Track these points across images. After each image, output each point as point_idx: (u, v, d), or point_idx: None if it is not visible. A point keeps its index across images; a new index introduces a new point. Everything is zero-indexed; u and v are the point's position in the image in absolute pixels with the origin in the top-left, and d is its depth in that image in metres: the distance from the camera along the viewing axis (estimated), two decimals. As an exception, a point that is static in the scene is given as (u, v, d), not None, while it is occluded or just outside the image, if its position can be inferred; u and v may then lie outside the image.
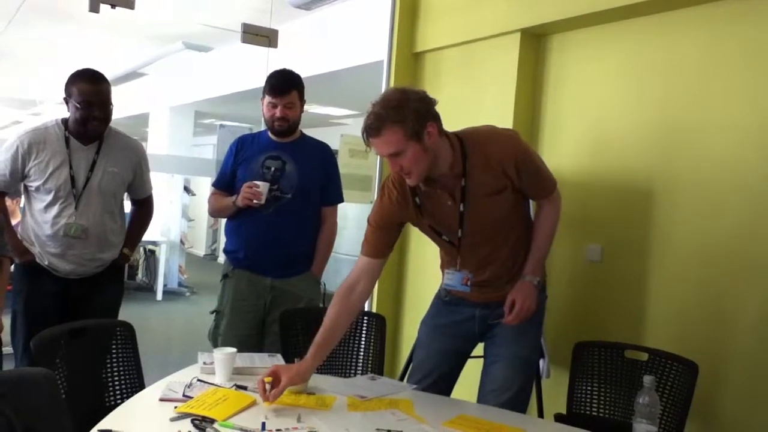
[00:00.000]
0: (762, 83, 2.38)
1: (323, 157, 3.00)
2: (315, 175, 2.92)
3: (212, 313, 2.98)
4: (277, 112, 2.82)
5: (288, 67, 2.95)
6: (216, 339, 2.92)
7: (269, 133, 2.93)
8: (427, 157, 2.00)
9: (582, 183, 2.95)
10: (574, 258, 3.01)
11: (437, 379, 2.33)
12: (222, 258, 3.06)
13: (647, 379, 1.76)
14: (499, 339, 2.26)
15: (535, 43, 3.23)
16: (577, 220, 2.96)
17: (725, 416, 2.43)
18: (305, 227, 2.95)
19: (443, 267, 2.32)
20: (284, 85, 2.83)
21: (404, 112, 1.93)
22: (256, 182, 2.77)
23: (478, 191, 2.11)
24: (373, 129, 1.94)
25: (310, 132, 3.07)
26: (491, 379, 2.23)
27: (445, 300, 2.39)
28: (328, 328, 2.13)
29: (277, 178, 2.84)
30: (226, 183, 2.97)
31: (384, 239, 2.21)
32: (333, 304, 2.16)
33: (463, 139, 2.11)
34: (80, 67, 2.78)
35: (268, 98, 2.84)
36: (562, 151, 3.07)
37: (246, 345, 2.73)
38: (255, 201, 2.76)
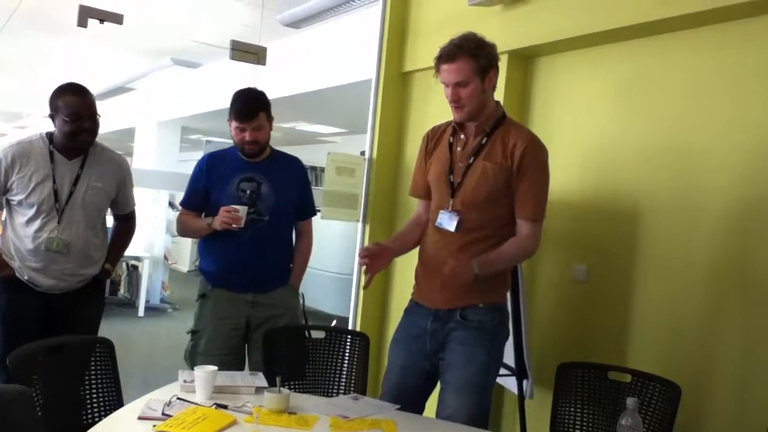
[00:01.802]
0: (746, 106, 2.42)
1: (296, 172, 3.00)
2: (291, 193, 2.92)
3: (189, 333, 2.91)
4: (247, 136, 2.77)
5: (277, 84, 2.94)
6: (193, 359, 2.83)
7: (240, 152, 2.87)
8: (482, 99, 2.24)
9: (568, 203, 2.97)
10: (559, 277, 3.02)
11: (400, 393, 2.31)
12: (202, 275, 3.02)
13: (630, 401, 1.76)
14: (446, 363, 2.27)
15: (523, 64, 3.26)
16: (564, 240, 2.98)
17: (708, 439, 2.44)
18: (282, 244, 2.95)
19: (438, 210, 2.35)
20: (250, 110, 2.76)
21: (480, 51, 2.20)
22: (235, 206, 2.72)
23: (488, 156, 2.25)
24: (449, 55, 2.20)
25: (297, 149, 3.07)
26: (443, 406, 2.25)
27: (406, 310, 2.43)
28: (403, 231, 2.51)
29: (254, 201, 2.81)
30: (197, 202, 2.91)
31: (422, 181, 2.45)
32: (406, 224, 2.54)
33: (506, 114, 2.34)
34: (65, 82, 2.77)
35: (234, 123, 2.79)
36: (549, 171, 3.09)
37: (225, 366, 2.65)
38: (234, 225, 2.72)
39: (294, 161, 3.03)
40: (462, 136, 2.33)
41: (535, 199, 2.24)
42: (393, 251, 2.43)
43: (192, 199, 2.94)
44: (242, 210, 2.73)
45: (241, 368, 2.84)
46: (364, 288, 2.41)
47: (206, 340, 2.84)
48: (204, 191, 2.88)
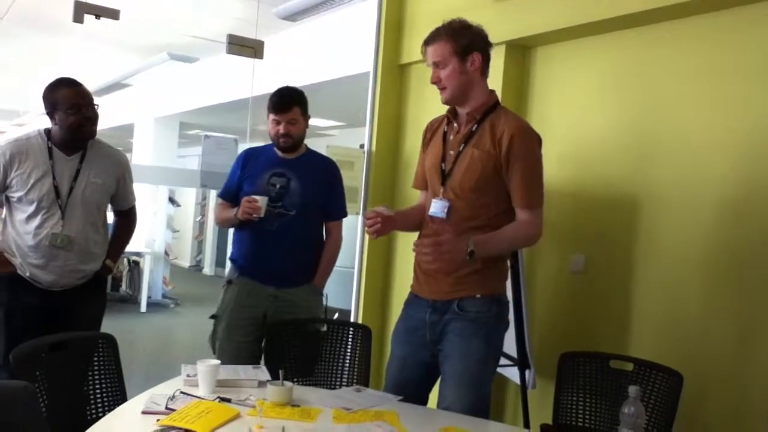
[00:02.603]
0: (742, 95, 2.42)
1: (328, 173, 3.05)
2: (319, 192, 2.96)
3: (211, 317, 2.98)
4: (281, 129, 2.87)
5: (274, 78, 2.97)
6: (213, 343, 2.94)
7: (275, 148, 2.96)
8: (462, 80, 2.24)
9: (566, 193, 2.97)
10: (558, 268, 3.03)
11: (402, 385, 2.31)
12: (208, 269, 3.07)
13: (632, 390, 1.76)
14: (444, 355, 2.27)
15: (520, 55, 3.26)
16: (562, 230, 2.98)
17: (710, 426, 2.44)
18: (308, 242, 2.99)
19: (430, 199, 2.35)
20: (285, 102, 2.88)
21: (459, 32, 2.23)
22: (254, 197, 2.80)
23: (477, 144, 2.25)
24: (430, 37, 2.27)
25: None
26: (442, 397, 2.25)
27: (406, 302, 2.44)
28: (407, 208, 2.54)
29: (281, 196, 2.88)
30: (231, 195, 3.01)
31: (422, 173, 2.47)
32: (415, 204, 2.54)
33: (499, 102, 2.34)
34: (55, 78, 2.77)
35: (271, 116, 2.90)
36: (546, 161, 3.04)
37: (243, 352, 2.78)
38: (254, 215, 2.79)
39: (327, 162, 3.10)
40: (455, 125, 2.34)
41: (527, 186, 2.22)
42: (396, 223, 2.40)
43: (227, 191, 3.05)
44: (261, 200, 2.79)
45: (257, 357, 2.86)
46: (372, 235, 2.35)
47: (225, 325, 2.91)
48: (238, 184, 2.98)
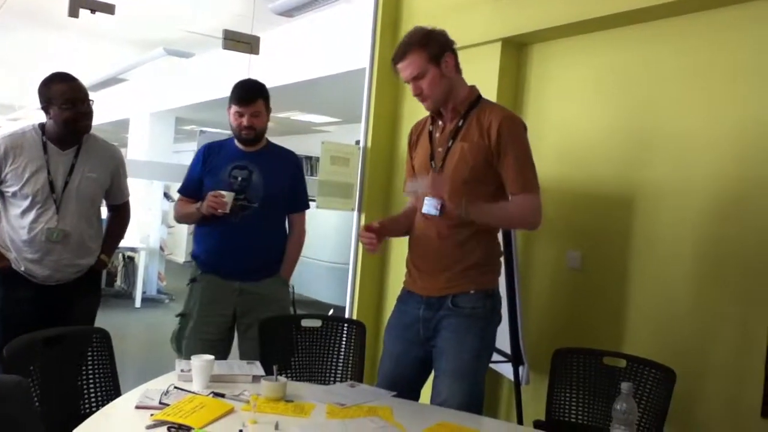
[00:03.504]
0: (739, 92, 2.43)
1: (289, 165, 3.04)
2: (281, 184, 2.96)
3: (178, 316, 2.96)
4: (244, 121, 2.85)
5: (270, 74, 2.97)
6: (179, 342, 2.91)
7: (236, 141, 2.95)
8: (444, 84, 2.26)
9: (562, 190, 2.97)
10: (554, 265, 3.04)
11: (395, 381, 2.31)
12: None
13: (625, 386, 1.77)
14: (438, 351, 2.28)
15: (516, 52, 3.26)
16: (557, 227, 2.99)
17: (702, 423, 2.46)
18: (272, 234, 2.99)
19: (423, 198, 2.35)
20: (250, 95, 2.86)
21: (428, 40, 2.25)
22: (221, 191, 2.78)
23: (465, 137, 2.25)
24: (400, 54, 2.26)
25: (291, 139, 3.09)
26: (437, 393, 2.26)
27: (399, 298, 2.44)
28: (398, 213, 2.54)
29: (244, 188, 2.87)
30: (192, 190, 2.98)
31: (411, 177, 2.47)
32: (404, 209, 2.55)
33: (481, 96, 2.35)
34: (51, 73, 2.77)
35: (234, 107, 2.87)
36: (542, 158, 3.06)
37: (212, 350, 2.72)
38: (219, 210, 2.77)
39: (288, 154, 3.07)
40: (440, 123, 2.35)
41: (520, 170, 2.22)
42: (385, 231, 2.39)
43: (188, 187, 3.01)
44: (228, 196, 2.78)
45: (226, 355, 2.87)
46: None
47: (193, 324, 2.90)
48: (199, 179, 2.95)
